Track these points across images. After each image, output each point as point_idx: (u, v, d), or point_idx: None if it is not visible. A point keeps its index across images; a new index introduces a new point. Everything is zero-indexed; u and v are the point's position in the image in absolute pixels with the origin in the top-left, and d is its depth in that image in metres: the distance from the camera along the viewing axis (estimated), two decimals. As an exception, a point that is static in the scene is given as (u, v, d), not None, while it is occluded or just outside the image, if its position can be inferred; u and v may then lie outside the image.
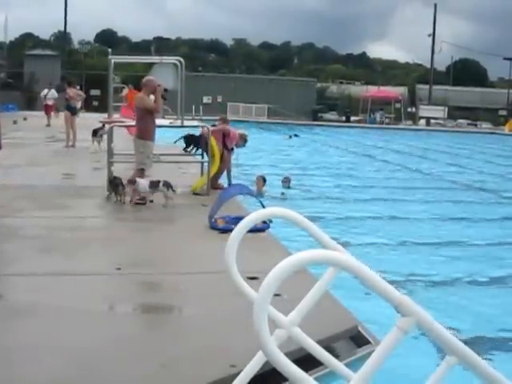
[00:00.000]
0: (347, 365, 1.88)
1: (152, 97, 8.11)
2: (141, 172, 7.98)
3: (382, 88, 46.07)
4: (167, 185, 7.59)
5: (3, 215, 6.69)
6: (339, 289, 3.91)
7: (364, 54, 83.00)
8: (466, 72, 59.76)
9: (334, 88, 47.87)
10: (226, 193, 7.15)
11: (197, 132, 9.89)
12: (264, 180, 10.29)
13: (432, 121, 42.09)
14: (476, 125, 42.51)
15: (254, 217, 2.01)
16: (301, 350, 1.81)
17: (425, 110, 43.18)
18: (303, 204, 9.36)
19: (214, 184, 9.19)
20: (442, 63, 61.57)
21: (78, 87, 19.53)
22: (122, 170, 9.03)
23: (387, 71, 66.29)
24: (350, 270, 1.54)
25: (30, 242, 5.56)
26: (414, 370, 3.29)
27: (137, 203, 7.70)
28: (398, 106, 42.90)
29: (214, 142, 9.23)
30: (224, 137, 9.60)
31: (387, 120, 41.08)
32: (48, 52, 42.02)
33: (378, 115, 41.00)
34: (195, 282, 4.62)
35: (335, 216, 8.87)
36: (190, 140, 9.80)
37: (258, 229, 5.82)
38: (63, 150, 14.47)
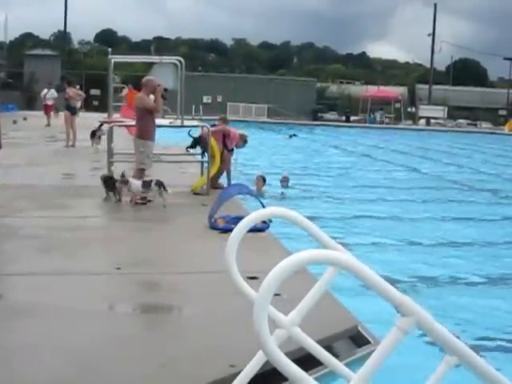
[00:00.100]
0: (347, 365, 1.88)
1: (152, 97, 8.11)
2: (141, 172, 7.98)
3: (382, 88, 46.09)
4: (159, 184, 7.59)
5: (3, 215, 6.68)
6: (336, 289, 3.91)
7: (364, 53, 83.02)
8: (465, 72, 59.78)
9: (333, 88, 47.89)
10: (226, 192, 7.15)
11: (197, 132, 9.90)
12: (264, 180, 10.29)
13: (432, 121, 42.11)
14: (476, 125, 42.52)
15: (253, 216, 2.01)
16: (301, 349, 1.81)
17: (425, 110, 43.21)
18: (303, 204, 9.37)
19: (213, 184, 9.19)
20: (441, 63, 61.64)
21: (78, 87, 19.52)
22: (122, 170, 9.04)
23: (387, 71, 66.27)
24: (350, 269, 1.54)
25: (30, 242, 5.56)
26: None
27: (137, 203, 7.70)
28: (397, 105, 42.92)
29: (214, 143, 9.23)
30: (224, 137, 9.60)
31: (387, 120, 41.09)
32: (48, 52, 42.03)
33: (377, 115, 41.01)
34: (195, 282, 4.62)
35: (335, 216, 8.87)
36: (198, 142, 9.78)
37: (258, 228, 5.82)
38: (63, 150, 14.47)
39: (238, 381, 1.97)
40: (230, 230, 2.06)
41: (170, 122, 10.17)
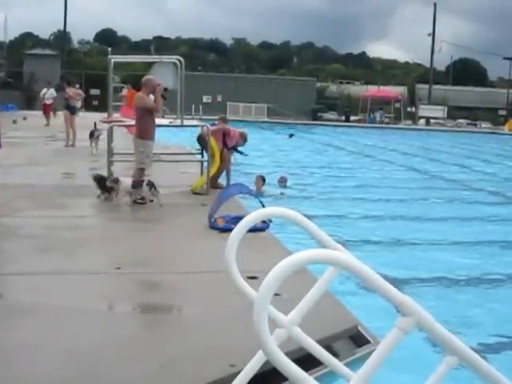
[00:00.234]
0: (347, 364, 1.88)
1: (152, 96, 8.11)
2: (141, 171, 7.98)
3: (382, 88, 46.12)
4: (151, 185, 7.58)
5: (2, 214, 6.68)
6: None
7: (364, 53, 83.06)
8: (465, 72, 59.81)
9: (333, 88, 47.90)
10: (226, 192, 7.14)
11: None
12: (263, 179, 10.29)
13: (432, 120, 42.13)
14: (476, 124, 42.53)
15: (253, 216, 2.01)
16: (301, 349, 1.80)
17: (424, 110, 43.23)
18: (302, 203, 9.36)
19: (213, 184, 9.19)
20: (441, 63, 61.67)
21: (77, 86, 19.52)
22: (122, 170, 9.04)
23: (387, 71, 66.29)
24: (351, 269, 1.54)
25: (30, 242, 5.56)
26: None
27: (137, 203, 7.70)
28: (397, 105, 42.94)
29: (213, 142, 9.23)
30: (224, 136, 9.61)
31: (387, 120, 41.10)
32: (48, 51, 42.02)
33: (377, 115, 41.03)
34: (195, 282, 4.61)
35: (334, 215, 8.87)
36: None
37: (258, 228, 5.82)
38: (63, 150, 14.46)
39: (237, 380, 1.97)
40: (230, 230, 2.06)
41: (170, 122, 10.17)
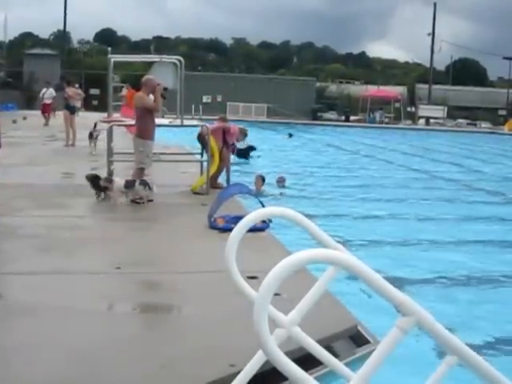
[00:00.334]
0: (347, 364, 1.88)
1: (151, 96, 8.11)
2: (140, 171, 7.98)
3: (382, 87, 46.12)
4: (144, 184, 7.58)
5: (2, 214, 6.68)
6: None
7: (363, 53, 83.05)
8: (465, 71, 59.81)
9: (333, 87, 47.88)
10: (226, 192, 7.14)
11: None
12: (263, 179, 10.29)
13: (431, 120, 42.12)
14: (475, 124, 42.54)
15: (253, 216, 2.01)
16: (301, 349, 1.80)
17: (424, 110, 43.22)
18: (302, 203, 9.36)
19: (213, 183, 9.19)
20: (441, 63, 61.67)
21: (77, 86, 19.51)
22: (122, 169, 9.04)
23: (387, 71, 66.31)
24: (351, 269, 1.54)
25: (29, 241, 5.56)
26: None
27: (135, 202, 7.70)
28: (397, 105, 42.94)
29: (213, 143, 9.23)
30: (224, 133, 9.63)
31: (387, 119, 41.10)
32: (47, 51, 42.00)
33: (377, 115, 41.03)
34: (195, 282, 4.61)
35: (334, 215, 8.87)
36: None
37: (258, 228, 5.81)
38: (63, 149, 14.46)
39: (237, 380, 1.97)
40: (230, 230, 2.06)
41: (170, 122, 10.17)
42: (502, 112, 45.92)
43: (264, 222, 6.06)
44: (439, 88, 47.13)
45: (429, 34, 45.93)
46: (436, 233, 8.03)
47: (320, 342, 1.84)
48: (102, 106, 27.62)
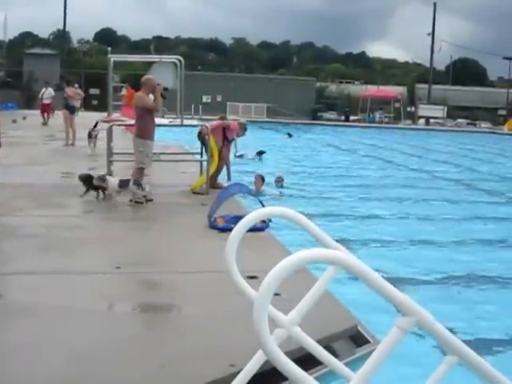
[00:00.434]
0: (347, 364, 1.88)
1: (151, 96, 8.11)
2: (140, 171, 7.97)
3: (382, 87, 46.11)
4: (137, 183, 7.57)
5: (2, 214, 6.67)
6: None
7: (363, 53, 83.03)
8: (465, 71, 59.80)
9: (333, 87, 47.88)
10: (226, 192, 7.14)
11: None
12: (263, 179, 10.29)
13: (431, 120, 42.11)
14: (475, 124, 42.54)
15: (253, 216, 2.01)
16: (301, 349, 1.80)
17: (424, 110, 43.21)
18: (301, 203, 9.35)
19: (213, 183, 9.19)
20: (441, 62, 61.65)
21: (76, 86, 19.49)
22: (121, 169, 9.04)
23: (386, 70, 66.28)
24: (351, 269, 1.54)
25: (29, 241, 5.55)
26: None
27: (136, 202, 7.70)
28: (397, 105, 42.94)
29: (213, 143, 9.23)
30: (224, 130, 9.64)
31: (386, 119, 41.10)
32: (47, 51, 41.99)
33: (377, 114, 41.03)
34: (195, 282, 4.61)
35: (334, 215, 8.87)
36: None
37: (258, 228, 5.81)
38: (62, 149, 14.45)
39: (237, 380, 1.97)
40: (230, 230, 2.06)
41: (170, 122, 10.17)
42: (502, 112, 45.91)
43: (264, 221, 6.06)
44: (439, 88, 47.11)
45: (428, 34, 45.94)
46: (436, 232, 8.03)
47: (320, 341, 1.84)
48: (101, 106, 27.61)
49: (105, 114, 13.10)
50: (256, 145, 16.33)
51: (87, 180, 7.77)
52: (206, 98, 38.63)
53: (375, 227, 8.28)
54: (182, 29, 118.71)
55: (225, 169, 9.96)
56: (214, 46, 79.99)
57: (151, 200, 7.88)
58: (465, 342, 1.69)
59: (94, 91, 38.57)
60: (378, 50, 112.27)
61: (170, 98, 9.78)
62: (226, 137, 9.66)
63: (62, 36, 47.64)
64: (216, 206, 6.55)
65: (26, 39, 60.28)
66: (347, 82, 49.46)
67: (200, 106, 31.26)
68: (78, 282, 4.52)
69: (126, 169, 8.85)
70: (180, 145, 14.71)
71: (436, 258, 6.74)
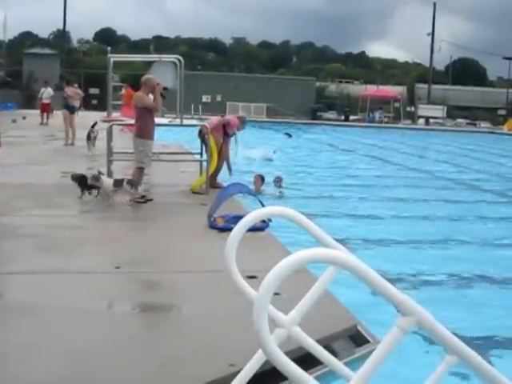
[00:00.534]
0: (346, 364, 1.88)
1: (151, 96, 8.10)
2: (140, 171, 7.98)
3: (381, 87, 46.14)
4: (131, 183, 7.56)
5: (2, 214, 6.67)
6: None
7: (363, 53, 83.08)
8: (465, 71, 59.84)
9: (333, 87, 47.91)
10: (225, 192, 7.14)
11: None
12: (262, 179, 10.29)
13: (431, 120, 42.12)
14: (475, 124, 42.56)
15: (253, 216, 2.01)
16: (300, 348, 1.80)
17: (424, 110, 43.22)
18: (302, 203, 9.35)
19: (212, 183, 9.19)
20: (441, 62, 61.67)
21: (76, 85, 19.47)
22: (121, 169, 9.03)
23: (386, 70, 66.30)
24: (351, 268, 1.54)
25: (29, 241, 5.55)
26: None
27: (137, 202, 7.70)
28: (397, 105, 42.97)
29: (213, 143, 9.23)
30: (224, 126, 9.65)
31: (386, 119, 41.12)
32: (47, 51, 42.00)
33: (376, 114, 41.05)
34: (194, 281, 4.61)
35: (333, 214, 8.87)
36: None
37: (258, 228, 5.81)
38: (62, 149, 14.45)
39: (237, 380, 1.97)
40: (230, 230, 2.06)
41: (170, 121, 10.17)
42: (502, 112, 45.95)
43: (264, 221, 6.05)
44: (439, 88, 47.12)
45: (428, 34, 45.96)
46: (436, 232, 8.03)
47: (320, 341, 1.84)
48: (101, 106, 27.61)
49: (104, 114, 13.08)
50: (256, 144, 16.30)
51: (81, 180, 7.73)
52: (205, 98, 38.64)
53: (375, 227, 8.28)
54: (181, 28, 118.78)
55: (225, 167, 9.94)
56: (213, 45, 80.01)
57: (151, 200, 7.88)
58: (465, 341, 1.69)
59: (93, 91, 38.59)
60: (378, 49, 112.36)
61: (169, 98, 9.79)
62: (226, 132, 9.67)
63: (61, 36, 47.63)
64: (216, 205, 6.54)
65: (26, 39, 60.31)
66: (347, 82, 49.49)
67: (200, 106, 31.29)
68: (78, 282, 4.52)
69: (126, 168, 8.84)
70: (180, 144, 14.71)
71: (436, 257, 6.74)
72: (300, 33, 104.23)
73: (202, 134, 9.49)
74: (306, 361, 2.08)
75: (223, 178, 9.91)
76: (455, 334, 1.68)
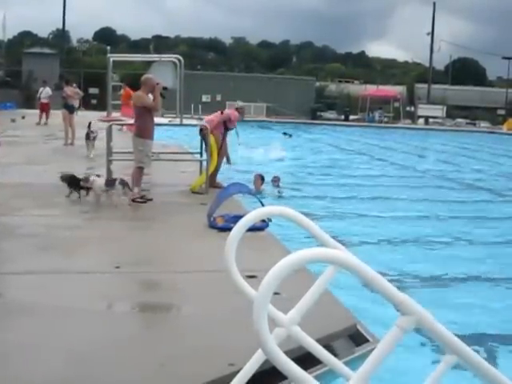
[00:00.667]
0: (346, 363, 1.88)
1: (151, 95, 8.10)
2: (140, 170, 7.97)
3: (381, 87, 46.13)
4: (123, 183, 7.55)
5: (1, 214, 6.67)
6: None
7: (363, 52, 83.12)
8: (464, 71, 59.84)
9: (332, 87, 47.89)
10: (225, 191, 7.14)
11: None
12: (262, 178, 10.29)
13: (431, 120, 42.12)
14: (474, 124, 42.57)
15: (253, 215, 2.01)
16: (300, 348, 1.80)
17: (423, 109, 43.22)
18: (302, 202, 9.35)
19: (212, 183, 9.19)
20: (440, 62, 61.67)
21: (74, 85, 19.47)
22: (121, 169, 9.03)
23: (386, 70, 66.33)
24: (350, 268, 1.54)
25: (28, 241, 5.55)
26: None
27: (137, 202, 7.70)
28: (396, 104, 42.96)
29: (213, 142, 9.22)
30: (225, 122, 9.66)
31: (386, 119, 41.11)
32: (46, 50, 42.01)
33: (376, 114, 41.04)
34: (194, 281, 4.61)
35: (333, 214, 8.87)
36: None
37: (257, 227, 5.81)
38: (62, 148, 14.44)
39: (237, 379, 1.97)
40: (230, 229, 2.06)
41: (169, 121, 10.17)
42: (501, 111, 45.95)
43: (263, 221, 6.06)
44: (438, 87, 47.12)
45: (428, 34, 45.94)
46: (435, 232, 8.03)
47: (319, 341, 1.84)
48: (101, 105, 27.61)
49: (104, 113, 13.07)
50: (255, 143, 16.31)
51: (71, 181, 7.67)
52: (205, 98, 38.62)
53: (375, 226, 8.27)
54: (181, 28, 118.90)
55: (224, 166, 9.93)
56: (213, 45, 79.99)
57: (151, 199, 7.88)
58: (464, 341, 1.70)
59: (93, 90, 38.58)
60: (378, 49, 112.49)
61: (169, 98, 9.79)
62: (226, 128, 9.70)
63: (61, 35, 47.61)
64: (215, 205, 6.54)
65: (26, 38, 60.29)
66: (347, 82, 49.48)
67: (199, 106, 31.27)
68: (78, 282, 4.51)
69: (126, 168, 8.84)
70: (179, 144, 14.71)
71: (436, 257, 6.74)
72: (300, 33, 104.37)
73: (202, 133, 9.48)
74: (306, 360, 2.08)
75: (223, 177, 9.91)
76: (455, 334, 1.68)
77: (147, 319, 4.00)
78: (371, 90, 44.59)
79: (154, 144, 8.28)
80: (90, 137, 12.99)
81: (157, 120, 8.43)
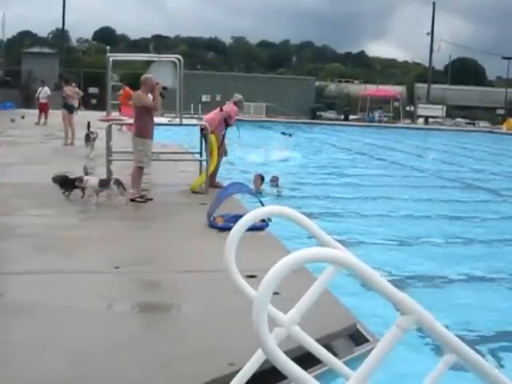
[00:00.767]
0: (346, 363, 1.88)
1: (150, 95, 8.10)
2: (140, 170, 7.97)
3: (381, 87, 46.14)
4: (118, 183, 7.54)
5: (0, 213, 6.67)
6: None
7: (363, 52, 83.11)
8: (464, 71, 59.83)
9: (332, 87, 47.91)
10: (225, 191, 7.14)
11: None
12: (262, 178, 10.29)
13: (430, 119, 42.13)
14: (474, 123, 42.58)
15: (252, 215, 2.01)
16: (300, 348, 1.80)
17: (423, 109, 43.22)
18: (302, 202, 9.36)
19: (212, 182, 9.18)
20: (440, 62, 61.65)
21: (74, 85, 19.45)
22: (121, 168, 9.03)
23: (386, 70, 66.33)
24: (350, 268, 1.54)
25: (28, 241, 5.55)
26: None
27: (137, 201, 7.70)
28: (396, 104, 42.96)
29: (214, 140, 9.21)
30: (226, 120, 9.67)
31: (386, 119, 41.11)
32: (46, 50, 42.00)
33: (376, 114, 41.05)
34: (194, 281, 4.61)
35: (333, 214, 8.87)
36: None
37: (257, 227, 5.81)
38: (61, 148, 14.43)
39: (237, 379, 1.97)
40: (229, 229, 2.06)
41: (169, 121, 10.17)
42: (501, 111, 45.97)
43: (263, 220, 6.06)
44: (438, 87, 47.12)
45: (428, 34, 45.92)
46: (435, 232, 8.03)
47: (319, 340, 1.84)
48: (100, 105, 27.61)
49: (103, 113, 13.06)
50: (255, 144, 16.31)
51: (63, 181, 7.62)
52: (205, 97, 38.60)
53: (375, 226, 8.28)
54: (181, 28, 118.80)
55: (225, 167, 9.94)
56: (213, 45, 79.96)
57: (151, 199, 7.88)
58: (465, 341, 1.70)
59: (93, 90, 38.57)
60: (378, 49, 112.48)
61: (169, 97, 9.79)
62: (227, 124, 9.71)
63: (60, 35, 47.59)
64: (215, 205, 6.54)
65: (25, 38, 60.26)
66: (346, 82, 49.49)
67: (199, 105, 31.26)
68: (77, 282, 4.51)
69: (126, 168, 8.84)
70: (179, 144, 14.70)
71: (436, 257, 6.74)
72: (300, 32, 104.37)
73: (203, 133, 9.47)
74: (306, 360, 2.08)
75: (223, 177, 9.91)
76: (456, 334, 1.68)
77: (147, 319, 4.00)
78: (371, 89, 44.60)
79: (153, 144, 8.27)
80: (89, 138, 12.94)
81: (156, 120, 8.43)
